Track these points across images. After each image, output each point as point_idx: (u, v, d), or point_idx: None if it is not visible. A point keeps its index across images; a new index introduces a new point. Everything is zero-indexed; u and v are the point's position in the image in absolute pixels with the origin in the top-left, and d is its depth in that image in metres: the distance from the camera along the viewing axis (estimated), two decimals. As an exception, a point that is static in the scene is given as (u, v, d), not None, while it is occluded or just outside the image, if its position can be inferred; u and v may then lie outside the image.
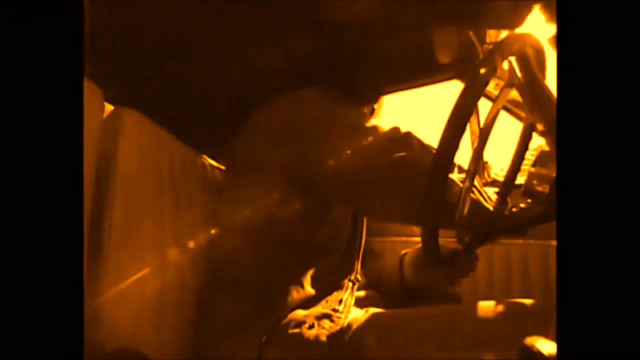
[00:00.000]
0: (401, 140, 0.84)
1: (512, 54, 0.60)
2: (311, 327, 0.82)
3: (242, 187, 0.98)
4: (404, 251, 1.11)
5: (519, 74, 0.62)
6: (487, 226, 0.67)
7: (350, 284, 0.96)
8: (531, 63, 0.60)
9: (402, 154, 0.81)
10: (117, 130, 0.87)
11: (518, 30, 0.93)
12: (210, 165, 1.18)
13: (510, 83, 0.67)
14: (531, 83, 0.59)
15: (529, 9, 0.66)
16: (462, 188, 0.69)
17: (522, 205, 0.65)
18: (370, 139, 0.85)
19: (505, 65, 0.63)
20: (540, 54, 0.64)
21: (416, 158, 0.80)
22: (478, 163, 0.68)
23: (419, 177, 0.77)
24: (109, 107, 0.89)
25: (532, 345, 0.39)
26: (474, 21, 0.88)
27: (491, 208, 0.72)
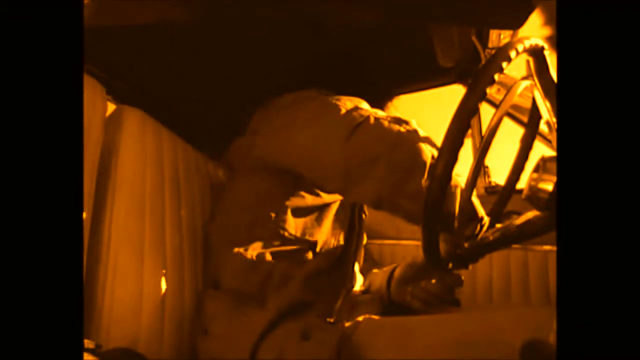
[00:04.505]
0: (402, 122, 0.81)
1: (514, 58, 0.59)
2: (305, 335, 0.81)
3: (242, 187, 0.98)
4: (393, 265, 1.10)
5: (533, 71, 0.61)
6: (486, 238, 0.67)
7: (345, 291, 0.95)
8: (547, 61, 0.59)
9: (401, 135, 0.78)
10: (119, 128, 0.87)
11: (517, 31, 0.93)
12: (212, 164, 1.18)
13: (526, 77, 0.66)
14: (546, 80, 0.59)
15: (530, 9, 0.66)
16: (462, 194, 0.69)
17: (522, 213, 0.64)
18: (367, 127, 0.81)
19: (511, 68, 0.63)
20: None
21: (416, 139, 0.78)
22: (480, 168, 0.68)
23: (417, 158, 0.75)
24: (112, 106, 0.89)
25: (534, 346, 0.38)
26: (475, 21, 0.87)
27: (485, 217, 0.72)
